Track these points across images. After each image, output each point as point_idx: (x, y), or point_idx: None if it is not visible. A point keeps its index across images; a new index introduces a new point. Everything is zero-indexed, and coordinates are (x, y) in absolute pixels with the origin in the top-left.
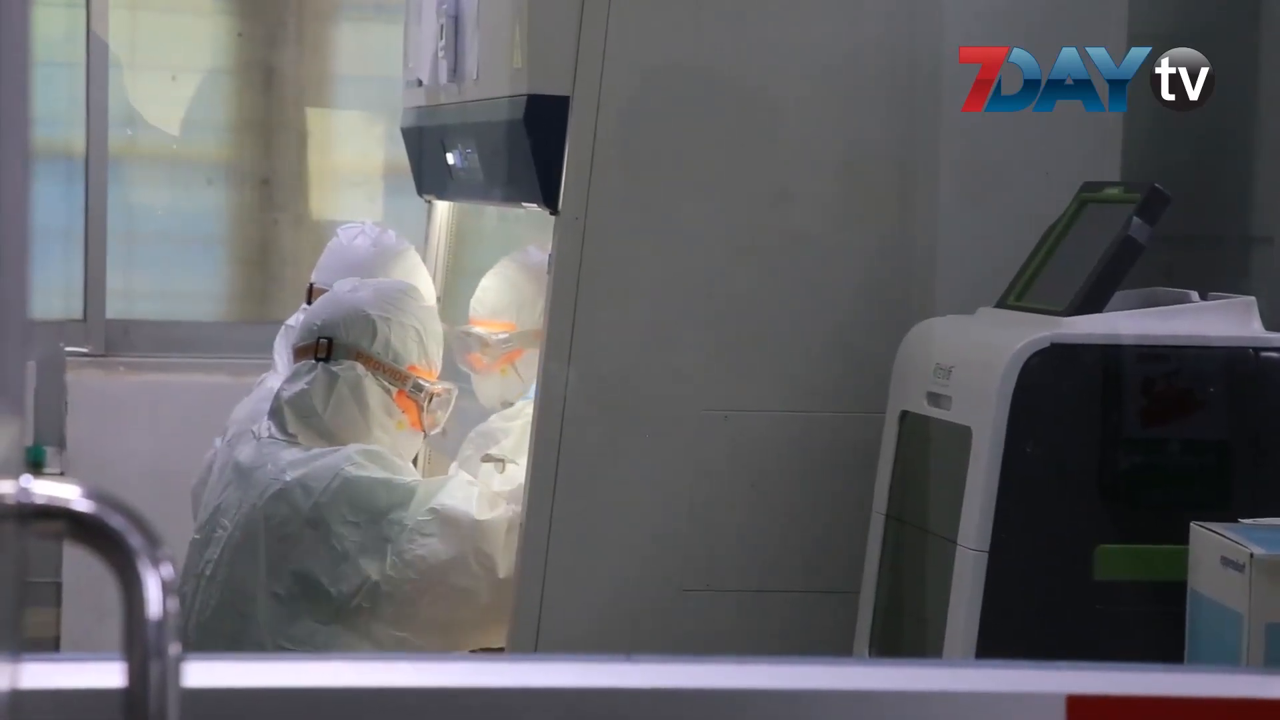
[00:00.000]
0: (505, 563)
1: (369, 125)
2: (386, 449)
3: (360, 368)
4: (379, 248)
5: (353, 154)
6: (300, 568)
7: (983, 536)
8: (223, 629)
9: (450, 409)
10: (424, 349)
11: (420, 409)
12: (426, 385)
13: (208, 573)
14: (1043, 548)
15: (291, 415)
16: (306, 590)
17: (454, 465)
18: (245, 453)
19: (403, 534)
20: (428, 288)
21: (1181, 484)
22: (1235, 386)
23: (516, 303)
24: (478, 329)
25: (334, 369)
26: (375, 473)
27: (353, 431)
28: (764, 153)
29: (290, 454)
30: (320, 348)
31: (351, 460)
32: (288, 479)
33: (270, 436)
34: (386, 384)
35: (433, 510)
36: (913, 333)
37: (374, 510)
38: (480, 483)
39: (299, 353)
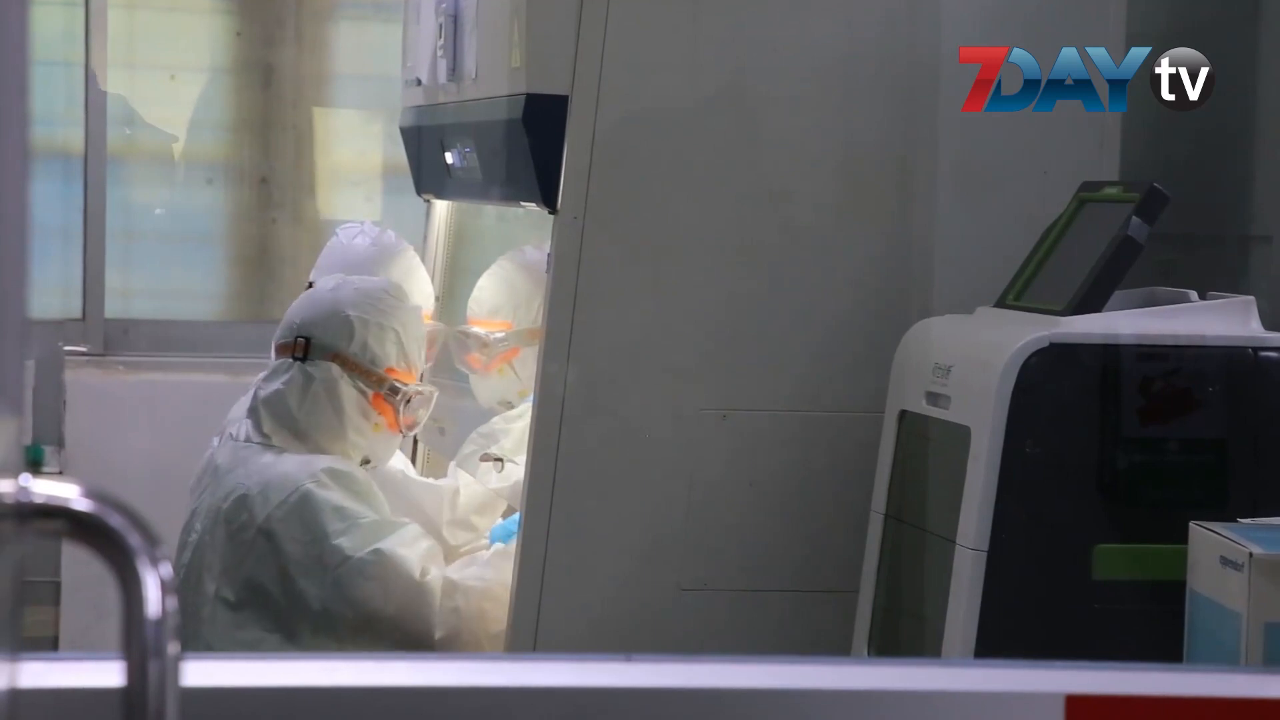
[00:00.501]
0: (441, 624)
1: (367, 124)
2: (357, 467)
3: (336, 369)
4: (378, 247)
5: (351, 153)
6: (251, 576)
7: (982, 536)
8: (186, 632)
9: (430, 409)
10: (403, 350)
11: (397, 411)
12: (403, 388)
13: (179, 576)
14: (1042, 547)
15: (266, 415)
16: (255, 598)
17: (452, 465)
18: (223, 455)
19: (343, 564)
20: (425, 287)
21: (1180, 483)
22: (1234, 386)
23: (513, 302)
24: (475, 328)
25: (310, 369)
26: (335, 495)
27: (327, 433)
28: (762, 152)
29: (262, 459)
30: (298, 346)
31: (315, 477)
32: (250, 485)
33: (246, 439)
34: (363, 386)
35: (377, 552)
36: (911, 332)
37: (322, 533)
38: (426, 540)
39: (278, 350)
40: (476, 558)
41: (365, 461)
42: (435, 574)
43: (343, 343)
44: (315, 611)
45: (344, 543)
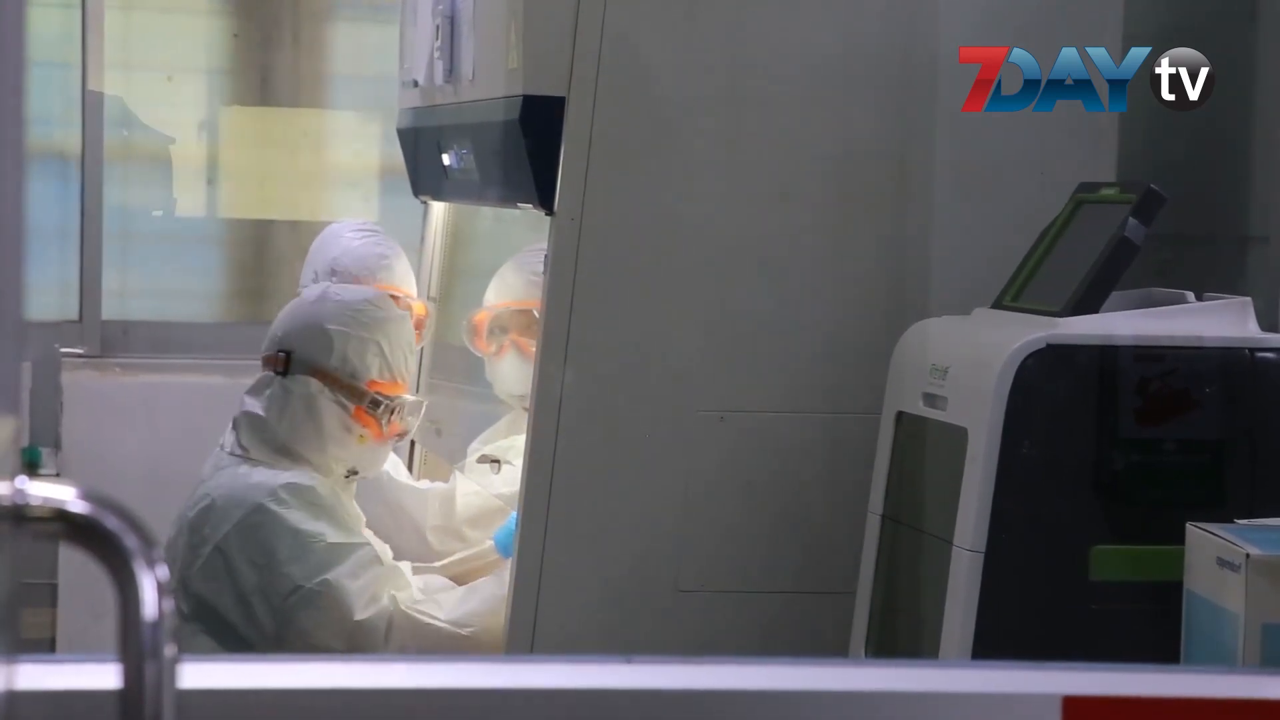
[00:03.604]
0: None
1: (364, 126)
2: (322, 481)
3: (315, 384)
4: (364, 242)
5: (348, 154)
6: (204, 591)
7: (979, 537)
8: None
9: (420, 416)
10: (386, 362)
11: (381, 422)
12: (386, 400)
13: None
14: (1039, 548)
15: (246, 429)
16: (206, 613)
17: (455, 471)
18: (209, 463)
19: (292, 594)
20: (411, 285)
21: (1177, 484)
22: (1231, 387)
23: (536, 285)
24: (479, 312)
25: (289, 384)
26: (292, 515)
27: (308, 448)
28: (759, 153)
29: (236, 470)
30: (279, 360)
31: (275, 495)
32: (216, 497)
33: (231, 451)
34: (344, 400)
35: (325, 582)
36: (908, 333)
37: (274, 558)
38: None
39: (263, 362)
40: (470, 587)
41: (353, 472)
42: (383, 606)
43: (322, 357)
44: (266, 636)
45: (293, 570)
